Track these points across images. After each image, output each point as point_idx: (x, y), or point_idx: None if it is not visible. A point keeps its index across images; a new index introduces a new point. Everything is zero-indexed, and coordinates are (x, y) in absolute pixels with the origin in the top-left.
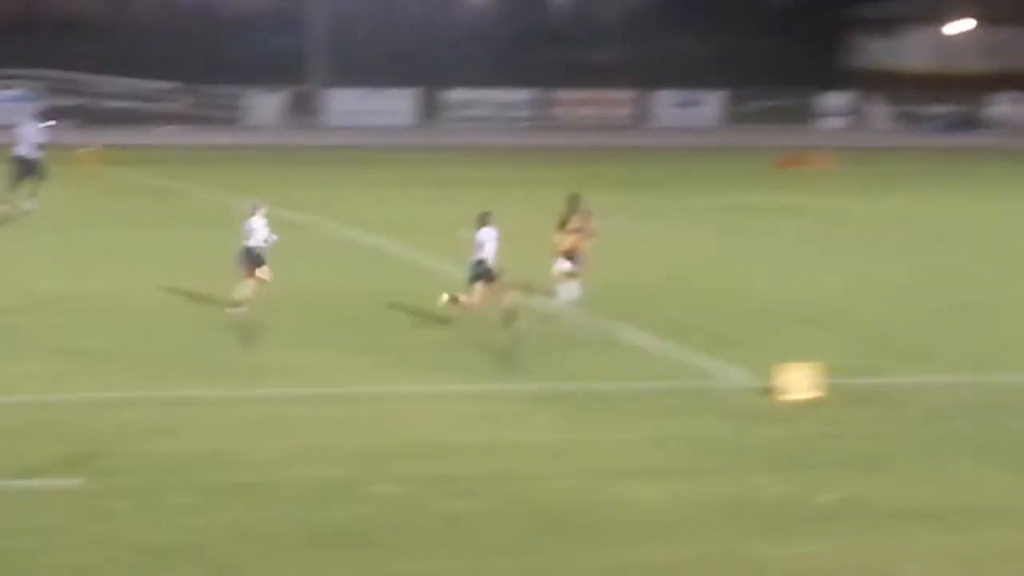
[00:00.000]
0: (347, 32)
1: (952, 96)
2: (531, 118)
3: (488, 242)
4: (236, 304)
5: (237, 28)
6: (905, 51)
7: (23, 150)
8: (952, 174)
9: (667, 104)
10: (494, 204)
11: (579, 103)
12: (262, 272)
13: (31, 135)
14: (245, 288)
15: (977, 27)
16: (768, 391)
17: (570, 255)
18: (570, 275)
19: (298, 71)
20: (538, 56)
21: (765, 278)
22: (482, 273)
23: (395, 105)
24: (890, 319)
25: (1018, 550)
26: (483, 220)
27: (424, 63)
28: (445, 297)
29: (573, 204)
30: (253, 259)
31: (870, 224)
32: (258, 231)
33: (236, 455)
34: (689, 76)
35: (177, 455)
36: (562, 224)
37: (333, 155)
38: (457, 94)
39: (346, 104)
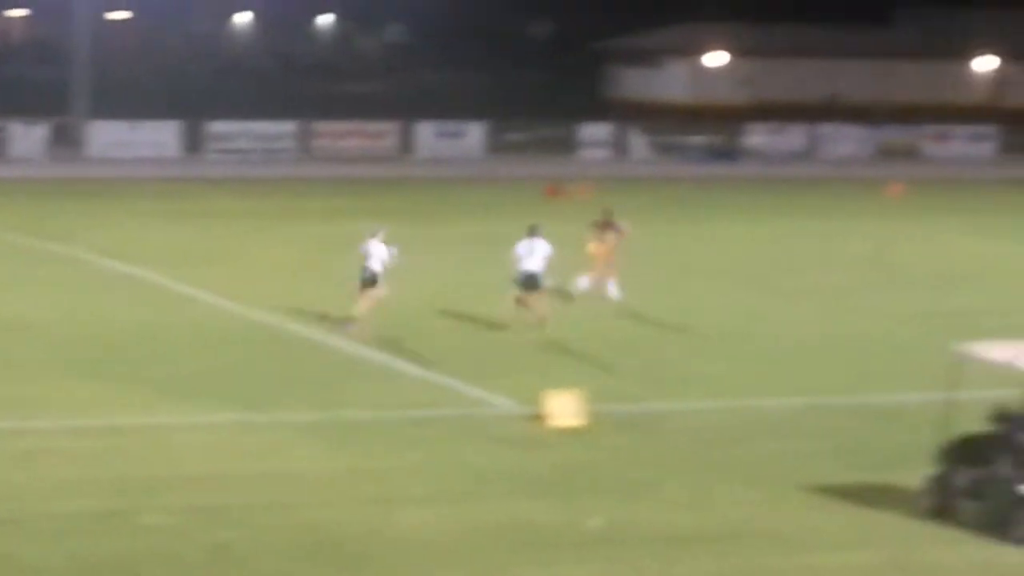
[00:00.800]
0: (110, 64)
1: (709, 127)
2: (295, 150)
3: (538, 253)
4: (352, 320)
5: None
6: (663, 82)
7: None
8: (711, 203)
9: (430, 135)
10: (257, 235)
11: (343, 135)
12: (378, 291)
13: None
14: (361, 305)
15: (731, 59)
16: (535, 418)
17: (607, 261)
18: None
19: (60, 103)
20: (301, 88)
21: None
22: (531, 283)
23: (158, 137)
24: (652, 347)
25: (782, 571)
26: (532, 231)
27: (188, 95)
28: (511, 298)
29: (607, 214)
30: (371, 279)
31: (632, 253)
32: (376, 253)
33: (5, 487)
34: (452, 107)
35: None
36: (597, 233)
37: (96, 187)
38: (221, 126)
39: (109, 136)
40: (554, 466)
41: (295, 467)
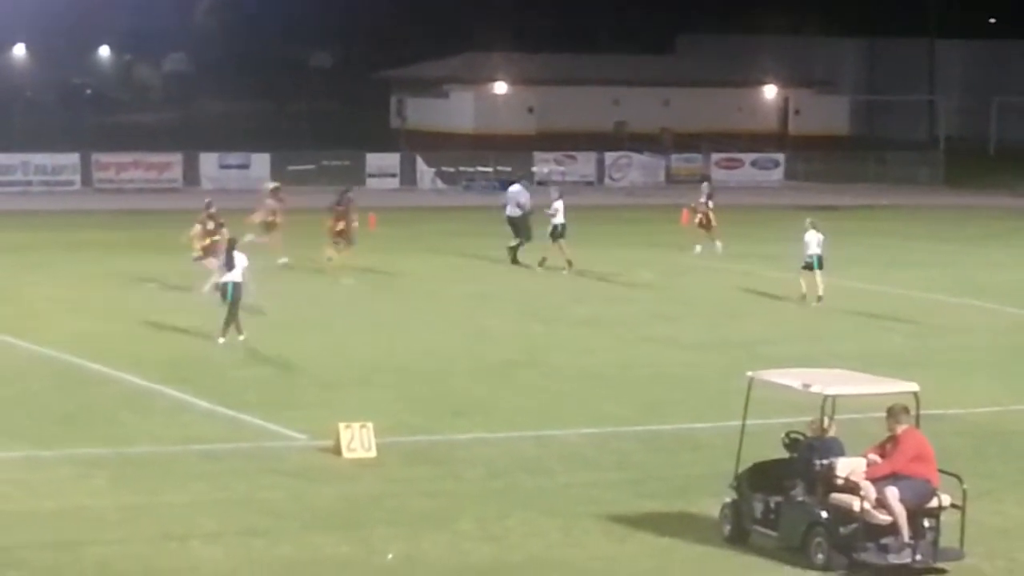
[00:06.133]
0: None
1: (497, 156)
2: (76, 182)
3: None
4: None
5: None
6: (449, 112)
7: None
8: (499, 233)
9: (215, 166)
10: (39, 270)
11: (125, 166)
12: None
13: None
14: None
15: (516, 88)
16: (327, 451)
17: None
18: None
19: None
20: (83, 119)
21: (318, 339)
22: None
23: None
24: (444, 378)
25: None
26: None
27: None
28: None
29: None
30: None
31: (420, 284)
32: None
33: None
34: (236, 137)
35: None
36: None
37: None
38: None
39: None
40: (347, 499)
41: (81, 504)
